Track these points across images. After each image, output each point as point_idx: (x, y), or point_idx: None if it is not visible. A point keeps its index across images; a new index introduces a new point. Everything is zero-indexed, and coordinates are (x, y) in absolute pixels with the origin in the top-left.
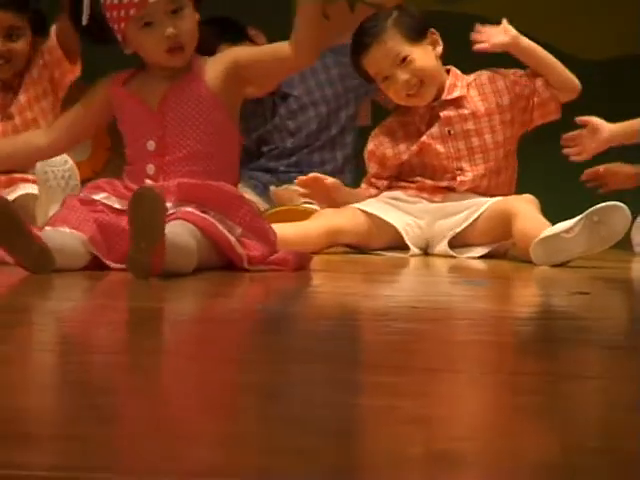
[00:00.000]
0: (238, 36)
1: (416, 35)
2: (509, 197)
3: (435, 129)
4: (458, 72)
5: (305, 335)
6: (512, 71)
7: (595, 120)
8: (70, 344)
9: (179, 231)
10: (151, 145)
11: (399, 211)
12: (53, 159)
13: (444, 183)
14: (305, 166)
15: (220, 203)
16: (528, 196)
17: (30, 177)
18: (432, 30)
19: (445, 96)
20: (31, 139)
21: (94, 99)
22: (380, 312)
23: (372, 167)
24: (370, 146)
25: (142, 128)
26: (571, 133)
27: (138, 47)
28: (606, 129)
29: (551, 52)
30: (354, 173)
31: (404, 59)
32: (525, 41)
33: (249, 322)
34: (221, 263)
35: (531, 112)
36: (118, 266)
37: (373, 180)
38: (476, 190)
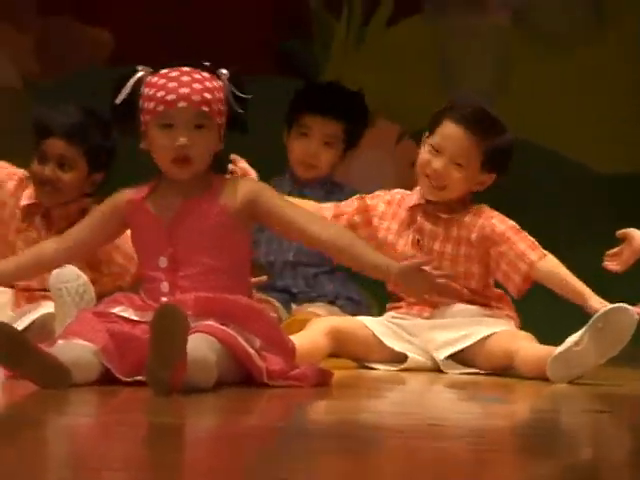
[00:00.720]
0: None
1: (488, 168)
2: (509, 333)
3: (410, 234)
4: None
5: (325, 453)
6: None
7: (631, 231)
8: (85, 460)
9: (199, 346)
10: (163, 262)
11: (397, 332)
12: (66, 275)
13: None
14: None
15: (238, 315)
16: (528, 334)
17: (50, 294)
18: (493, 176)
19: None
20: (42, 248)
21: (107, 211)
22: (399, 429)
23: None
24: (369, 196)
25: (154, 244)
26: (614, 250)
27: (152, 145)
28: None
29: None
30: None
31: (457, 164)
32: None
33: (267, 440)
34: (241, 376)
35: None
36: (129, 379)
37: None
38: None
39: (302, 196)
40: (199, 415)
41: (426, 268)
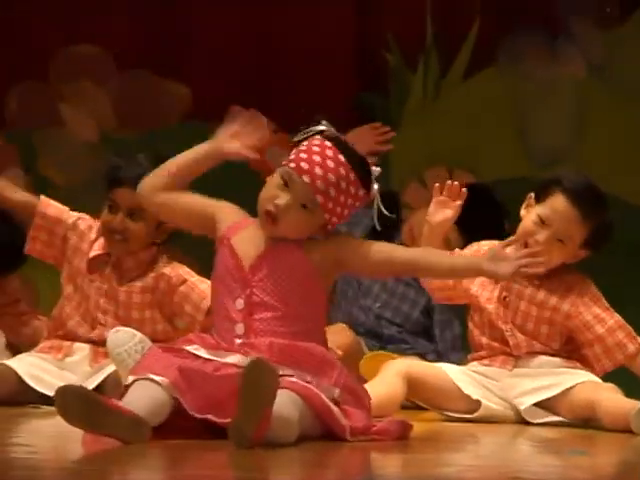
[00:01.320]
0: None
1: (587, 247)
2: (594, 384)
3: (498, 289)
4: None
5: None
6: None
7: None
8: None
9: (284, 402)
10: (240, 304)
11: (477, 379)
12: (121, 338)
13: (508, 348)
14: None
15: (313, 364)
16: (612, 385)
17: None
18: (588, 252)
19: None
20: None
21: (211, 216)
22: None
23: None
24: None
25: (232, 284)
26: None
27: (268, 183)
28: None
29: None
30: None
31: (560, 240)
32: None
33: None
34: (322, 432)
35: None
36: (200, 416)
37: None
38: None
39: None
40: (281, 469)
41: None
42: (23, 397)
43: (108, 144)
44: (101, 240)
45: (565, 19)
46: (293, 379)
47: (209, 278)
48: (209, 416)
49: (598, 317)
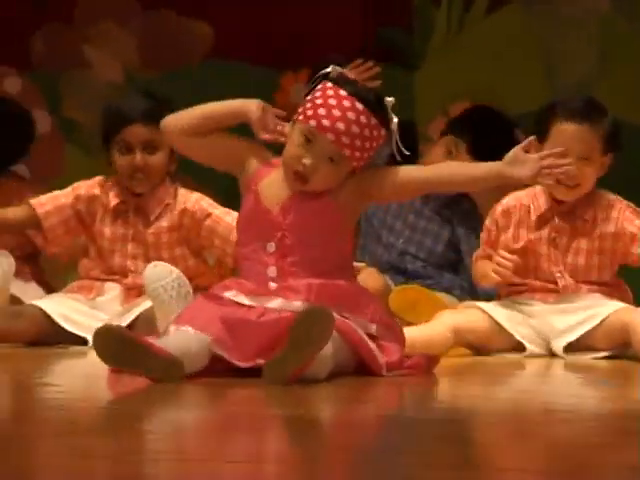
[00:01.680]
0: None
1: (605, 150)
2: (629, 308)
3: (545, 233)
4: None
5: (439, 438)
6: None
7: None
8: (208, 453)
9: None
10: (271, 247)
11: (516, 314)
12: (158, 273)
13: (551, 286)
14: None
15: (350, 301)
16: None
17: None
18: (611, 156)
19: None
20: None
21: (240, 156)
22: (514, 413)
23: (484, 247)
24: (489, 224)
25: (261, 229)
26: None
27: (288, 141)
28: None
29: None
30: None
31: (583, 158)
32: None
33: (385, 428)
34: (355, 366)
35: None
36: (244, 365)
37: (483, 254)
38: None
39: None
40: (316, 406)
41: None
42: (53, 337)
43: (132, 84)
44: (113, 190)
45: None
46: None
47: (223, 204)
48: (257, 361)
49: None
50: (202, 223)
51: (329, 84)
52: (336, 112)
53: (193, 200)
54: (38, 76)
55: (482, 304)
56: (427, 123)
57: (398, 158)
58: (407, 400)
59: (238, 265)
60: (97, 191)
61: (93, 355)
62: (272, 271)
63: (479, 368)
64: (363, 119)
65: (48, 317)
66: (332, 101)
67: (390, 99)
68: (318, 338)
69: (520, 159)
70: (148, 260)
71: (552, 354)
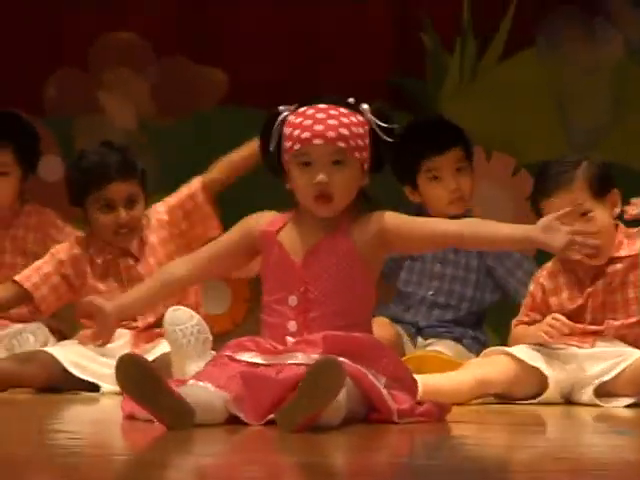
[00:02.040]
0: None
1: (602, 191)
2: None
3: (600, 283)
4: (622, 226)
5: None
6: None
7: None
8: None
9: None
10: (293, 300)
11: (547, 357)
12: (179, 317)
13: (592, 328)
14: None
15: (364, 354)
16: None
17: None
18: (615, 190)
19: (614, 253)
20: (170, 270)
21: (239, 240)
22: (525, 463)
23: (528, 313)
24: (534, 290)
25: (284, 280)
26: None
27: (294, 185)
28: None
29: None
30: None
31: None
32: None
33: (397, 476)
34: (366, 412)
35: None
36: (259, 423)
37: (525, 319)
38: (624, 339)
39: None
40: (329, 453)
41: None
42: (63, 384)
43: (145, 131)
44: (93, 246)
45: None
46: (341, 359)
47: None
48: (270, 416)
49: None
50: (160, 224)
51: (291, 116)
52: (307, 122)
53: (152, 211)
54: (51, 122)
55: (512, 349)
56: None
57: (388, 139)
58: (419, 447)
59: (263, 311)
60: (77, 250)
61: (104, 402)
62: (292, 326)
63: (493, 415)
64: (333, 112)
65: (58, 363)
66: (298, 120)
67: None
68: (329, 389)
69: (554, 228)
70: None
71: (568, 402)
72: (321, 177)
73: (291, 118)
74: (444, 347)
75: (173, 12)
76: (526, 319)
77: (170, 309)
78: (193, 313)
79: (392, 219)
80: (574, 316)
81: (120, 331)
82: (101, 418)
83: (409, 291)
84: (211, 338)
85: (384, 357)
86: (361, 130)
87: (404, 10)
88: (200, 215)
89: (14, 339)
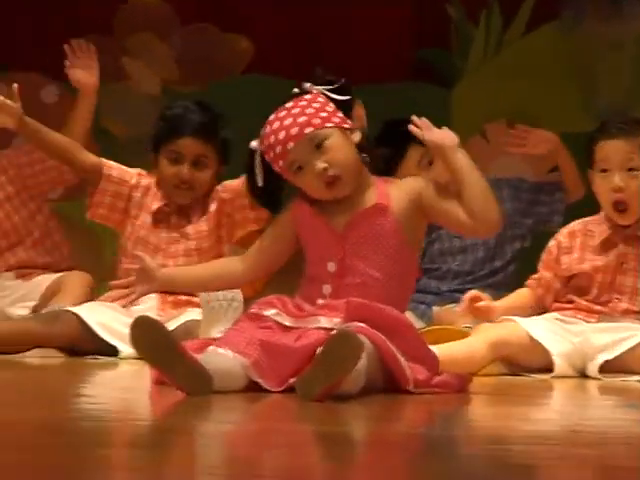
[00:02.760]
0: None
1: None
2: None
3: (613, 254)
4: None
5: (469, 458)
6: None
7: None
8: (238, 467)
9: None
10: (332, 266)
11: (554, 330)
12: None
13: (598, 307)
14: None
15: (386, 326)
16: None
17: (196, 300)
18: None
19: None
20: (229, 267)
21: (284, 227)
22: (544, 435)
23: (541, 271)
24: (551, 246)
25: (325, 248)
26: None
27: (301, 186)
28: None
29: None
30: None
31: (632, 169)
32: None
33: (414, 446)
34: (385, 381)
35: None
36: (279, 389)
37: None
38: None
39: None
40: (348, 422)
41: None
42: (88, 345)
43: (170, 97)
44: (158, 192)
45: None
46: (362, 324)
47: None
48: (289, 381)
49: None
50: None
51: (261, 146)
52: (272, 139)
53: (223, 187)
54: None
55: (520, 319)
56: (463, 142)
57: (337, 98)
58: (436, 418)
59: (302, 280)
60: (152, 187)
61: (126, 366)
62: (327, 289)
63: (510, 388)
64: (282, 113)
65: (84, 323)
66: (265, 143)
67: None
68: (346, 361)
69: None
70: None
71: (584, 375)
72: (319, 167)
73: (262, 147)
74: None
75: None
76: (536, 277)
77: None
78: None
79: (429, 189)
80: (581, 290)
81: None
82: (123, 383)
83: (434, 267)
84: (242, 308)
85: (407, 334)
86: (317, 104)
87: None
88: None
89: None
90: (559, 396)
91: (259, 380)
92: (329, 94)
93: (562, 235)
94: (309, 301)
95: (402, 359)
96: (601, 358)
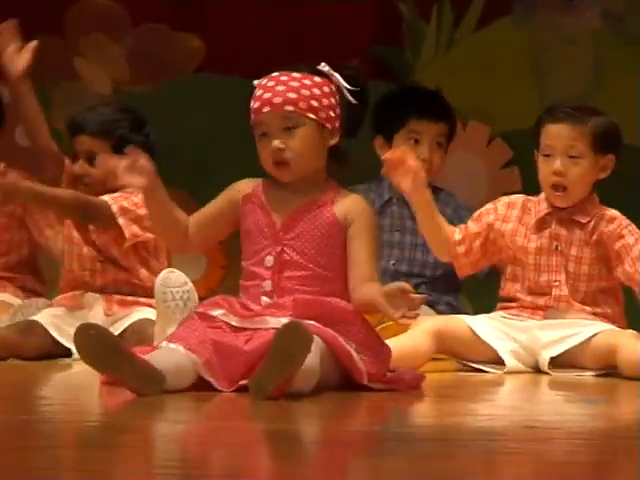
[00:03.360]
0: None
1: (600, 148)
2: (615, 330)
3: (547, 235)
4: (596, 198)
5: (423, 455)
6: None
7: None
8: (189, 467)
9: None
10: (269, 261)
11: (499, 328)
12: (173, 280)
13: (542, 301)
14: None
15: (335, 319)
16: (633, 332)
17: (142, 300)
18: (612, 157)
19: (577, 217)
20: (188, 222)
21: (226, 203)
22: (498, 431)
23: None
24: (486, 208)
25: (263, 241)
26: None
27: (260, 157)
28: None
29: None
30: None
31: (573, 156)
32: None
33: (366, 444)
34: (339, 377)
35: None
36: (229, 389)
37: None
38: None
39: (405, 202)
40: (301, 420)
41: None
42: (56, 351)
43: (121, 97)
44: None
45: None
46: (312, 322)
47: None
48: (241, 382)
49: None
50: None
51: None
52: (259, 92)
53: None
54: None
55: (465, 317)
56: None
57: (353, 101)
58: (390, 416)
59: (241, 276)
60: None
61: (78, 367)
62: (267, 285)
63: (463, 384)
64: (284, 78)
65: (45, 330)
66: (256, 92)
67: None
68: (295, 353)
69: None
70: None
71: (538, 371)
72: (275, 143)
73: (255, 91)
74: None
75: None
76: (462, 235)
77: (165, 270)
78: (187, 279)
79: (358, 226)
80: (517, 278)
81: (91, 294)
82: (75, 384)
83: None
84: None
85: (355, 324)
86: (318, 91)
87: None
88: None
89: (19, 312)
90: (512, 391)
91: (210, 379)
92: (345, 92)
93: (501, 203)
94: (253, 300)
95: (355, 353)
96: (546, 354)
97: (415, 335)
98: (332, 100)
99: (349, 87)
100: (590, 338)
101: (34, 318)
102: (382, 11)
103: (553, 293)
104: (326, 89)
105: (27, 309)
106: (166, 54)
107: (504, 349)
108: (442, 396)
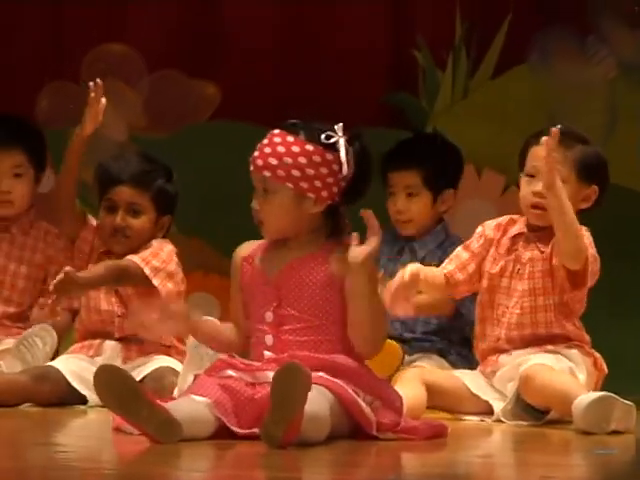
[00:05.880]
0: None
1: (583, 176)
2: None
3: (512, 257)
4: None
5: None
6: None
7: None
8: None
9: (316, 400)
10: (269, 317)
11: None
12: None
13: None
14: None
15: (338, 371)
16: (566, 368)
17: (161, 348)
18: (595, 188)
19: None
20: (232, 333)
21: (236, 271)
22: None
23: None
24: (478, 233)
25: (261, 298)
26: None
27: None
28: None
29: None
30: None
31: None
32: None
33: None
34: (350, 428)
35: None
36: (244, 432)
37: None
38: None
39: (412, 249)
40: (312, 469)
41: None
42: (72, 398)
43: (137, 144)
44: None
45: (596, 18)
46: (321, 374)
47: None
48: (254, 430)
49: None
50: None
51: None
52: (267, 150)
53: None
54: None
55: (457, 372)
56: None
57: (346, 171)
58: (399, 466)
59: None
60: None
61: (93, 414)
62: (269, 339)
63: (481, 433)
64: (277, 139)
65: (65, 378)
66: (265, 141)
67: (339, 125)
68: (296, 392)
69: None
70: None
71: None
72: (253, 203)
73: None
74: (430, 364)
75: (167, 25)
76: (452, 256)
77: None
78: None
79: (352, 280)
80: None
81: (108, 343)
82: (91, 431)
83: None
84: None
85: (366, 378)
86: (303, 160)
87: (399, 28)
88: None
89: (21, 344)
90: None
91: (222, 417)
92: (343, 157)
93: (489, 228)
94: (259, 357)
95: (363, 403)
96: (498, 407)
97: (408, 384)
98: (321, 170)
99: (349, 160)
100: (524, 378)
101: (50, 364)
102: (398, 58)
103: (504, 320)
104: (316, 159)
105: (29, 345)
106: (181, 101)
107: (490, 398)
108: (464, 444)
